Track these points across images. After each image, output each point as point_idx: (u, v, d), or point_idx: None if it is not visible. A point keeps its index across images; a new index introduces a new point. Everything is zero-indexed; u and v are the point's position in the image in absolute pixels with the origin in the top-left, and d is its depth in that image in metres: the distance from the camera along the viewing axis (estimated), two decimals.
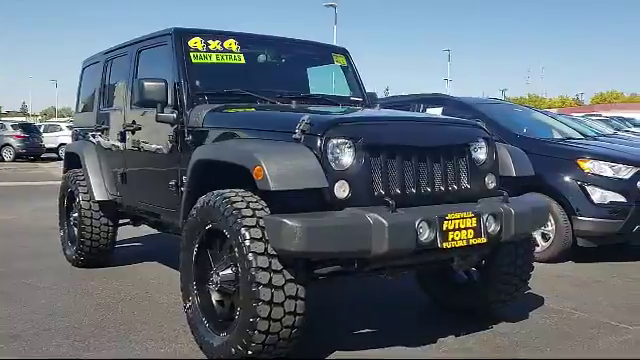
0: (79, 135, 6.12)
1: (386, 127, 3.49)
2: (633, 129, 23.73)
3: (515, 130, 6.47)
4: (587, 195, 5.74)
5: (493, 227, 3.32)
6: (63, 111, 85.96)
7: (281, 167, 2.97)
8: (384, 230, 2.91)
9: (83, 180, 5.53)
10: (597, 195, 5.72)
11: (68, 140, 25.86)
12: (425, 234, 3.06)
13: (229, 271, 3.23)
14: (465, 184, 3.53)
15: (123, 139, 4.93)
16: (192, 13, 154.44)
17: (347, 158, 3.14)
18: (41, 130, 26.16)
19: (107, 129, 5.34)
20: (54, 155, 25.96)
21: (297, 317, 3.02)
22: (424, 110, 7.16)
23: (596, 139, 7.27)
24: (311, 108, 3.84)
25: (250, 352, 3.02)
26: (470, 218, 3.23)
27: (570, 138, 6.86)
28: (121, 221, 5.66)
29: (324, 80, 5.12)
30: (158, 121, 4.13)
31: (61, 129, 27.36)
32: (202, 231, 3.38)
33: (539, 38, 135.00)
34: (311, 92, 4.82)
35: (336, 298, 4.52)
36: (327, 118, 3.39)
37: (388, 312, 4.41)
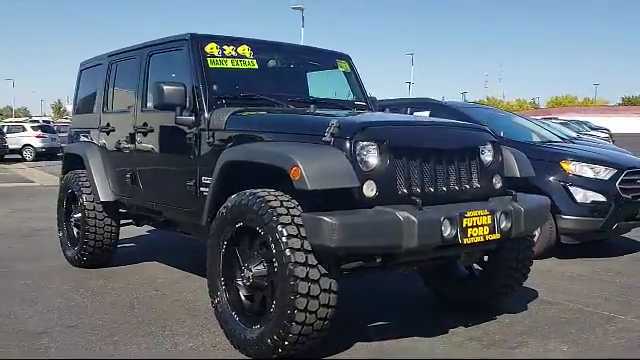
0: (77, 137, 6.15)
1: (408, 130, 3.73)
2: (591, 132, 24.71)
3: (499, 133, 6.77)
4: (570, 195, 6.09)
5: (505, 224, 3.58)
6: (19, 111, 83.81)
7: (317, 168, 3.16)
8: (414, 226, 3.14)
9: (86, 181, 5.59)
10: (580, 195, 6.07)
11: (32, 141, 25.78)
12: (448, 230, 3.30)
13: (261, 267, 3.41)
14: (476, 184, 3.78)
15: (132, 141, 5.02)
16: (159, 17, 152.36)
17: (374, 159, 3.35)
18: (4, 131, 25.50)
19: (113, 131, 5.40)
20: (18, 156, 25.42)
21: (329, 309, 3.22)
22: (411, 113, 7.41)
23: (573, 142, 7.67)
24: (332, 112, 4.02)
25: (286, 342, 3.20)
26: (486, 216, 3.49)
27: (550, 141, 7.23)
28: (124, 221, 5.74)
29: (328, 85, 5.31)
30: (177, 124, 4.26)
31: (24, 129, 26.80)
32: (232, 229, 3.53)
33: (497, 42, 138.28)
34: (316, 97, 5.00)
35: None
36: (355, 122, 3.60)
37: (395, 306, 4.63)
